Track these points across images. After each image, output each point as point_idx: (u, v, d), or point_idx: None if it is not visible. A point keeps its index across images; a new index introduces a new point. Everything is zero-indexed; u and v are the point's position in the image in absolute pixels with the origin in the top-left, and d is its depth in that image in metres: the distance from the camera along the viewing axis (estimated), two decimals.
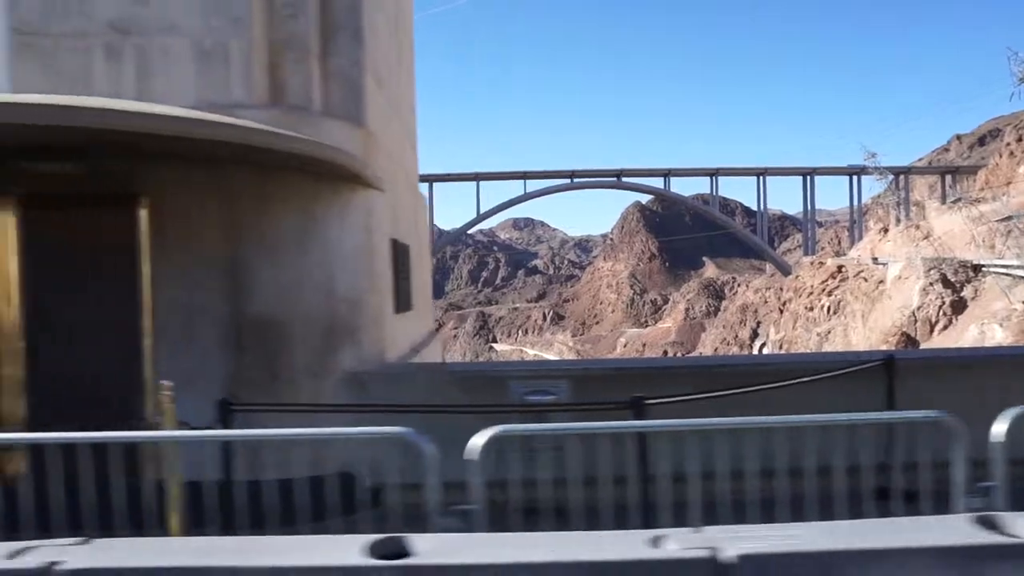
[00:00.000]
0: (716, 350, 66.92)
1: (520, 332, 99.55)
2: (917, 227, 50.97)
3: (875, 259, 49.86)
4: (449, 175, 73.98)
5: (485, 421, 5.09)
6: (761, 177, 75.51)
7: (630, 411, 4.89)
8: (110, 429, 4.48)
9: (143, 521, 4.93)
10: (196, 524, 4.82)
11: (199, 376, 5.79)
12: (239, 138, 4.93)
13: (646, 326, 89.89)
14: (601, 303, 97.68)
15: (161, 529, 5.01)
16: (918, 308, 41.74)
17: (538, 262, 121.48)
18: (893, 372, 6.07)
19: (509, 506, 4.00)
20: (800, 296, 56.40)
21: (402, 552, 2.78)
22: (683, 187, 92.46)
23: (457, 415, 5.49)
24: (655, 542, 2.80)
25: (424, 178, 55.99)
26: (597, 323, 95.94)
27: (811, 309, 54.38)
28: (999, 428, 3.75)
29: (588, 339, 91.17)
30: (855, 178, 69.96)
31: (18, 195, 5.88)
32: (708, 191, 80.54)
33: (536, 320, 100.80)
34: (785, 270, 71.51)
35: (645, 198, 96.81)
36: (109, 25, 6.07)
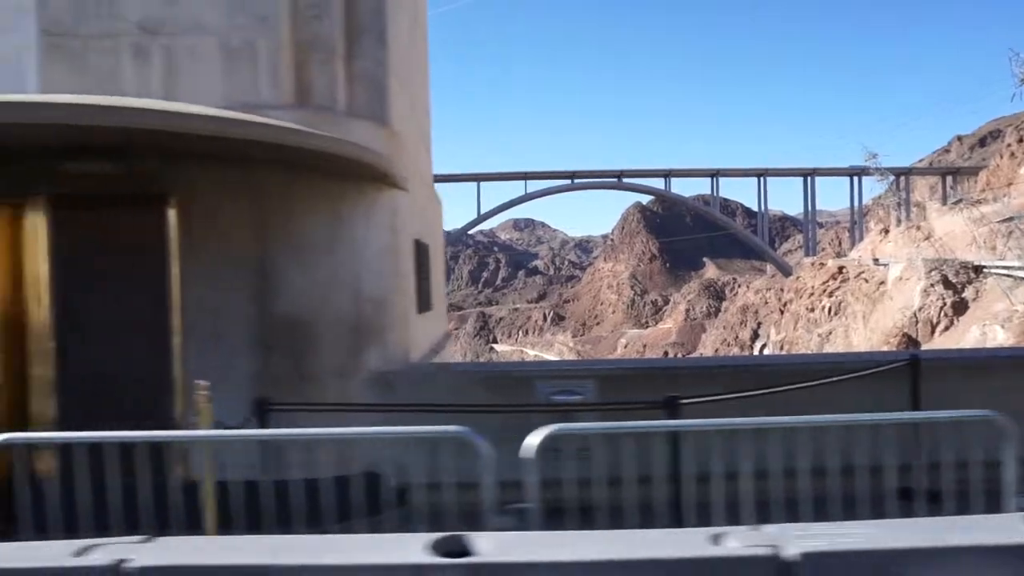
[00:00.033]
0: (716, 351, 66.93)
1: (520, 333, 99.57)
2: (918, 228, 51.04)
3: (876, 260, 49.92)
4: (450, 176, 73.99)
5: (511, 421, 5.17)
6: (762, 178, 75.61)
7: (663, 411, 4.90)
8: (139, 429, 4.50)
9: (170, 520, 4.95)
10: (229, 524, 4.84)
11: (227, 376, 5.80)
12: (276, 138, 4.96)
13: (647, 327, 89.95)
14: (601, 304, 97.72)
15: (194, 529, 5.03)
16: (919, 309, 41.79)
17: (538, 263, 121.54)
18: (918, 372, 6.10)
19: (559, 504, 4.02)
20: (801, 297, 56.45)
21: (463, 550, 2.80)
22: (684, 188, 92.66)
23: (484, 415, 5.53)
24: (715, 540, 2.81)
25: None
26: (597, 324, 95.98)
27: (812, 310, 54.42)
28: None
29: (588, 340, 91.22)
30: (856, 179, 70.07)
31: (48, 195, 5.90)
32: (709, 192, 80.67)
33: (536, 321, 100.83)
34: (786, 271, 71.60)
35: (646, 199, 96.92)
36: (137, 26, 6.09)
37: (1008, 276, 39.52)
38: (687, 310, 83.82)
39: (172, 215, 5.95)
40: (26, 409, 5.99)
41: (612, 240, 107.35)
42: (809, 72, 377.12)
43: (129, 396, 5.91)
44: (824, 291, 53.74)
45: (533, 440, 3.22)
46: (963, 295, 41.12)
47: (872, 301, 47.72)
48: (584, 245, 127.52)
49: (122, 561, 2.65)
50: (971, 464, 4.51)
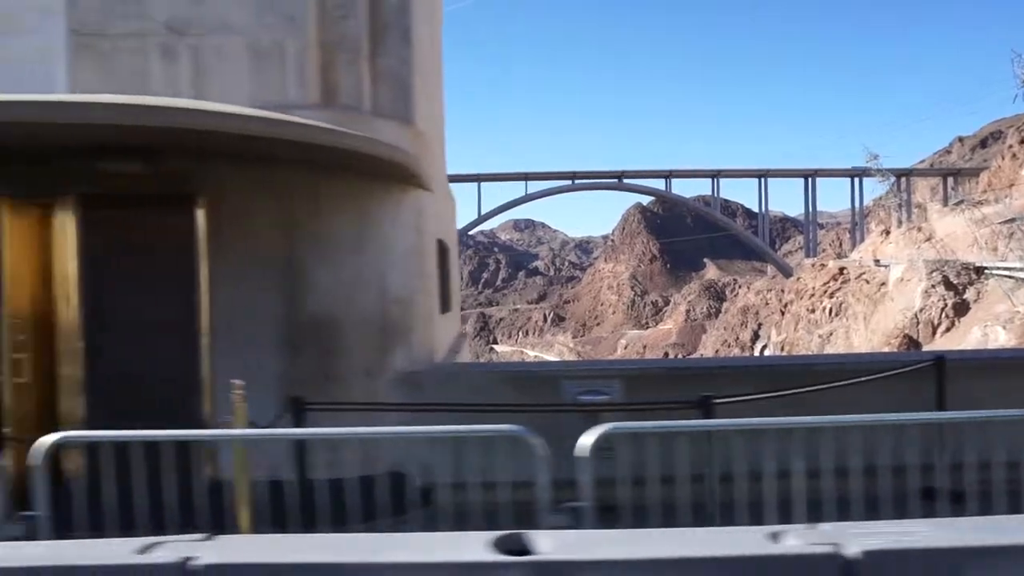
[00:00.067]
0: (717, 352, 66.94)
1: (521, 333, 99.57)
2: (919, 229, 51.08)
3: (877, 261, 49.95)
4: (450, 176, 73.84)
5: (538, 420, 5.17)
6: (762, 179, 75.63)
7: (697, 410, 4.92)
8: (168, 429, 4.50)
9: (197, 520, 4.95)
10: (266, 522, 4.85)
11: (256, 376, 5.77)
12: (312, 138, 4.97)
13: (647, 328, 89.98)
14: (602, 304, 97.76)
15: (222, 528, 5.04)
16: (920, 310, 41.83)
17: (539, 263, 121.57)
18: (943, 373, 6.11)
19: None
20: (801, 298, 56.49)
21: (523, 549, 2.81)
22: (684, 188, 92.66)
23: (511, 414, 5.54)
24: (774, 538, 2.82)
25: None
26: (598, 324, 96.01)
27: (813, 311, 54.45)
28: None
29: (589, 340, 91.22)
30: (857, 180, 70.10)
31: (77, 195, 5.90)
32: (709, 192, 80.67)
33: (537, 321, 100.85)
34: (786, 272, 71.65)
35: (646, 199, 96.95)
36: (165, 26, 6.09)
37: (1010, 277, 39.57)
38: (687, 311, 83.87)
39: (201, 215, 5.96)
40: (55, 408, 6.00)
41: (612, 241, 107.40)
42: (809, 72, 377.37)
43: (157, 396, 5.91)
44: (825, 292, 53.78)
45: (587, 440, 3.23)
46: (964, 296, 41.17)
47: (873, 302, 47.76)
48: (584, 246, 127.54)
49: (188, 559, 2.65)
50: (994, 465, 4.54)
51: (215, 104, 5.12)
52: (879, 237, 55.64)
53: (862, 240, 63.81)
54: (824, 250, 72.40)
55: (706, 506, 4.93)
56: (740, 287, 78.95)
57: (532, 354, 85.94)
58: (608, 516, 4.30)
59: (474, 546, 2.77)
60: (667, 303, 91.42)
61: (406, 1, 6.91)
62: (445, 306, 7.86)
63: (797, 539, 2.81)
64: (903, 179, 66.46)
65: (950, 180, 66.92)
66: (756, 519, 4.30)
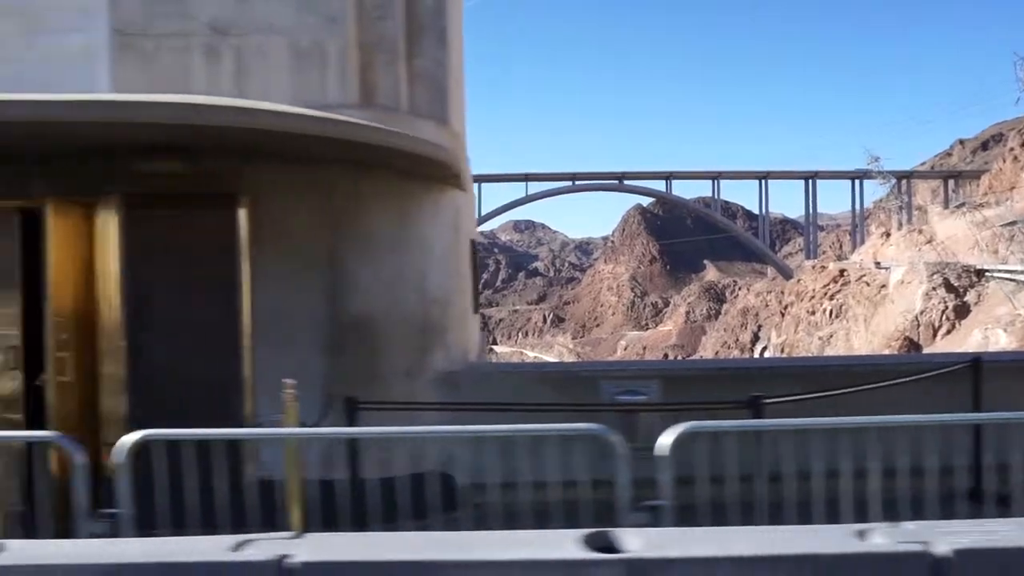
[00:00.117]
0: (717, 353, 67.05)
1: (520, 334, 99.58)
2: (920, 231, 51.22)
3: (877, 263, 50.07)
4: None
5: (575, 420, 5.20)
6: (763, 180, 75.78)
7: (747, 410, 4.95)
8: (210, 427, 4.52)
9: (247, 519, 4.97)
10: (316, 522, 4.86)
11: (298, 375, 5.78)
12: (364, 137, 5.01)
13: (647, 329, 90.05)
14: (601, 306, 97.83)
15: (270, 527, 5.05)
16: (921, 312, 41.94)
17: (538, 264, 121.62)
18: (980, 374, 6.15)
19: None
20: (802, 300, 56.59)
21: (612, 546, 2.84)
22: (685, 190, 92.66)
23: (549, 414, 5.57)
24: (860, 535, 2.85)
25: None
26: (597, 326, 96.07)
27: (813, 313, 54.56)
28: None
29: (588, 341, 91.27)
30: (857, 182, 70.27)
31: (120, 194, 5.91)
32: (710, 194, 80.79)
33: (536, 322, 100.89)
34: (786, 274, 71.76)
35: (646, 201, 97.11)
36: (208, 26, 6.11)
37: (1011, 280, 39.70)
38: (687, 312, 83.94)
39: (243, 214, 5.97)
40: (97, 407, 6.01)
41: (612, 242, 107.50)
42: (810, 73, 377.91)
43: (199, 395, 5.92)
44: (825, 294, 53.88)
45: (667, 439, 3.26)
46: (965, 299, 41.28)
47: (873, 304, 47.88)
48: (584, 247, 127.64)
49: (284, 556, 2.67)
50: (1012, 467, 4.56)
51: (268, 103, 5.14)
52: (879, 239, 55.76)
53: (862, 242, 63.91)
54: (824, 252, 72.56)
55: (753, 506, 4.95)
56: (740, 289, 79.06)
57: (531, 355, 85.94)
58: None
59: (565, 544, 2.80)
60: (667, 304, 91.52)
61: (442, 3, 6.95)
62: (476, 306, 7.89)
63: (883, 537, 2.84)
64: (904, 181, 66.64)
65: (951, 182, 67.09)
66: (805, 519, 4.34)
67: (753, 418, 4.89)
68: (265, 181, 5.99)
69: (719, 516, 4.40)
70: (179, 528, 4.02)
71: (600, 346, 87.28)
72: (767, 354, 56.91)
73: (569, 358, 78.81)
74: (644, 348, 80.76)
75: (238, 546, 2.77)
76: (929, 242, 48.72)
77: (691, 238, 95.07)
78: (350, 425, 5.06)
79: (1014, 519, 3.36)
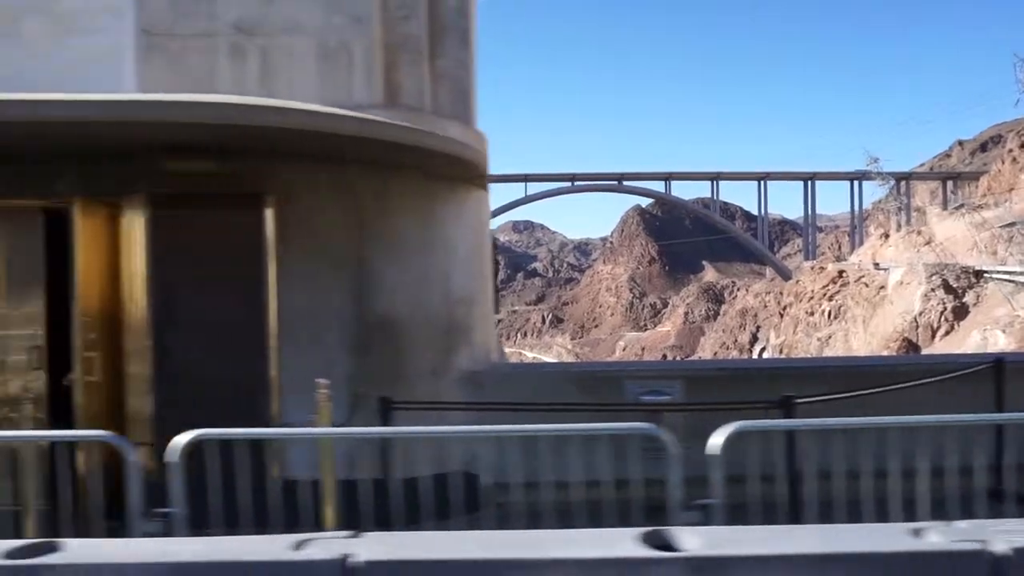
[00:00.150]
0: (715, 354, 67.12)
1: (519, 335, 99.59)
2: (919, 232, 51.34)
3: (876, 264, 50.17)
4: None
5: (599, 419, 5.21)
6: (762, 181, 75.92)
7: (779, 410, 4.97)
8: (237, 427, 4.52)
9: (270, 518, 4.97)
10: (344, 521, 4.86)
11: (324, 375, 5.80)
12: (401, 138, 5.02)
13: (645, 330, 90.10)
14: (600, 306, 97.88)
15: (294, 527, 5.05)
16: (920, 314, 42.05)
17: (537, 265, 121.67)
18: (1003, 374, 6.18)
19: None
20: (800, 301, 56.68)
21: (668, 545, 2.84)
22: (684, 191, 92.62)
23: (571, 412, 5.58)
24: (916, 534, 2.87)
25: None
26: (596, 326, 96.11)
27: (812, 314, 54.65)
28: None
29: (587, 342, 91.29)
30: (856, 183, 70.44)
31: (146, 194, 5.91)
32: (709, 195, 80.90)
33: (535, 323, 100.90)
34: (785, 275, 71.88)
35: (645, 201, 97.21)
36: (234, 26, 6.11)
37: (1009, 281, 39.83)
38: (686, 313, 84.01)
39: (269, 215, 5.97)
40: (123, 407, 6.01)
41: (611, 243, 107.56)
42: (809, 73, 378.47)
43: (225, 395, 5.92)
44: (824, 295, 53.97)
45: (718, 439, 3.27)
46: (964, 300, 41.40)
47: (872, 305, 47.98)
48: (583, 247, 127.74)
49: (347, 555, 2.67)
50: None
51: (301, 104, 5.15)
52: (878, 240, 55.88)
53: (861, 243, 64.07)
54: (823, 253, 72.70)
55: (777, 505, 4.97)
56: (739, 289, 79.15)
57: (530, 356, 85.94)
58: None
59: (624, 542, 2.80)
60: (665, 305, 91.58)
61: (465, 4, 6.96)
62: (496, 306, 7.90)
63: (938, 536, 2.85)
64: (903, 182, 66.81)
65: (950, 184, 67.27)
66: (826, 517, 4.36)
67: (784, 418, 4.90)
68: (291, 181, 5.99)
69: (753, 515, 4.42)
70: (202, 529, 4.02)
71: (599, 347, 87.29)
72: (766, 355, 56.99)
73: (568, 359, 78.84)
74: (643, 349, 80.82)
75: (298, 545, 2.77)
76: (928, 243, 48.85)
77: (690, 239, 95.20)
78: (384, 425, 5.05)
79: None
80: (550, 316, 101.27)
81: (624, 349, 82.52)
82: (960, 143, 78.22)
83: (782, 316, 60.69)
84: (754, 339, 66.38)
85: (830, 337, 51.16)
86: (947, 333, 41.14)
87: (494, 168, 7.21)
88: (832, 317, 53.01)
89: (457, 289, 6.41)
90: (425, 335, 6.23)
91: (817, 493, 4.67)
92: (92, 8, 6.14)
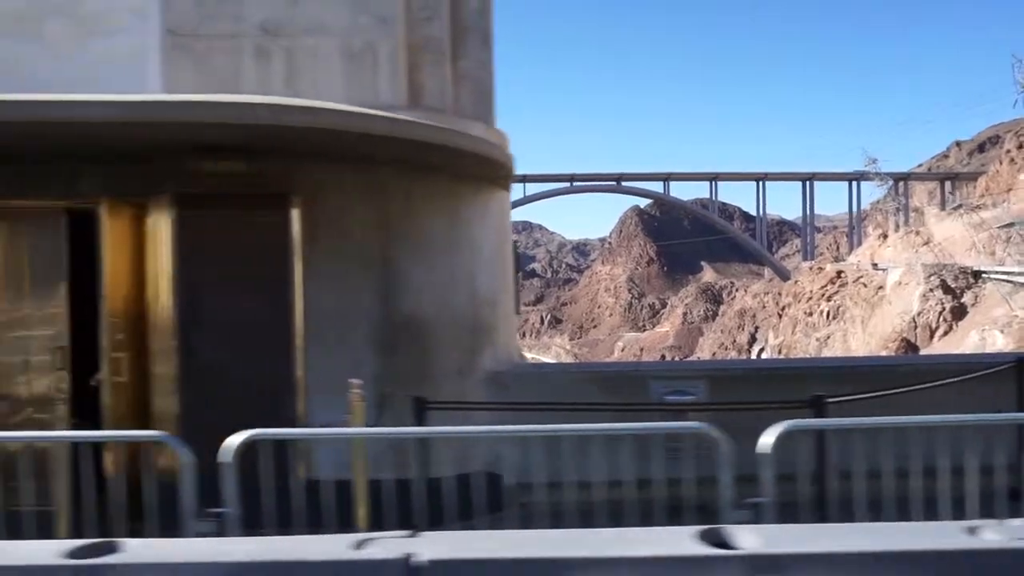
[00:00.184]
0: (714, 355, 67.19)
1: (517, 335, 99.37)
2: (917, 233, 51.49)
3: (875, 265, 50.28)
4: None
5: (621, 419, 5.23)
6: (760, 182, 76.07)
7: (810, 409, 4.98)
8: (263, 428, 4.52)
9: (293, 518, 4.96)
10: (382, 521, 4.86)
11: (350, 376, 5.81)
12: (436, 138, 5.03)
13: (644, 330, 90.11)
14: (599, 307, 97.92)
15: (318, 528, 5.04)
16: (918, 314, 42.17)
17: (536, 265, 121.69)
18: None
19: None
20: (799, 301, 56.78)
21: (724, 543, 2.86)
22: (682, 191, 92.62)
23: (596, 413, 5.60)
24: (971, 532, 2.88)
25: None
26: (595, 327, 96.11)
27: (810, 314, 54.75)
28: None
29: (586, 343, 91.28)
30: (854, 183, 70.60)
31: (172, 194, 5.91)
32: (707, 195, 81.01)
33: (534, 323, 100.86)
34: (784, 275, 72.01)
35: (644, 202, 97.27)
36: (259, 27, 6.12)
37: (1007, 281, 39.97)
38: (684, 314, 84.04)
39: (295, 215, 5.98)
40: (149, 407, 6.01)
41: (610, 243, 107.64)
42: (808, 73, 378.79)
43: (251, 395, 5.92)
44: (822, 295, 54.07)
45: (768, 438, 3.29)
46: (962, 300, 41.53)
47: (871, 306, 48.10)
48: (582, 248, 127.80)
49: (410, 555, 2.68)
50: None
51: (332, 104, 5.16)
52: (877, 241, 56.02)
53: (859, 244, 64.21)
54: (821, 254, 72.80)
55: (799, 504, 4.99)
56: (737, 290, 79.19)
57: (530, 356, 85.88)
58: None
59: (683, 540, 2.82)
60: (664, 306, 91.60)
61: (486, 5, 6.98)
62: (517, 306, 7.91)
63: (994, 534, 2.87)
64: (901, 183, 66.96)
65: (948, 184, 67.46)
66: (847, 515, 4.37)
67: (816, 416, 4.92)
68: (318, 181, 6.00)
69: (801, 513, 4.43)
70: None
71: (597, 347, 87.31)
72: (764, 355, 57.09)
73: (567, 359, 78.84)
74: (641, 349, 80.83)
75: (358, 544, 2.78)
76: (926, 244, 48.99)
77: (688, 239, 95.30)
78: (419, 425, 5.06)
79: None
80: (548, 317, 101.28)
81: (623, 350, 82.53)
82: (958, 144, 78.44)
83: (780, 316, 60.77)
84: (752, 339, 66.45)
85: (828, 337, 51.23)
86: (945, 333, 41.24)
87: None
88: (831, 317, 53.09)
89: (482, 289, 6.43)
90: (451, 335, 6.24)
91: (839, 492, 4.68)
92: (116, 9, 6.15)
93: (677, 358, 69.03)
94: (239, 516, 3.22)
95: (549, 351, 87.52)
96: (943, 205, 60.45)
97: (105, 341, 5.79)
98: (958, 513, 4.33)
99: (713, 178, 77.24)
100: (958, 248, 46.55)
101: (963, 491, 4.36)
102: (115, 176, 5.93)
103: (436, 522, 4.61)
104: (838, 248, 75.01)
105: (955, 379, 5.82)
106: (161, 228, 5.95)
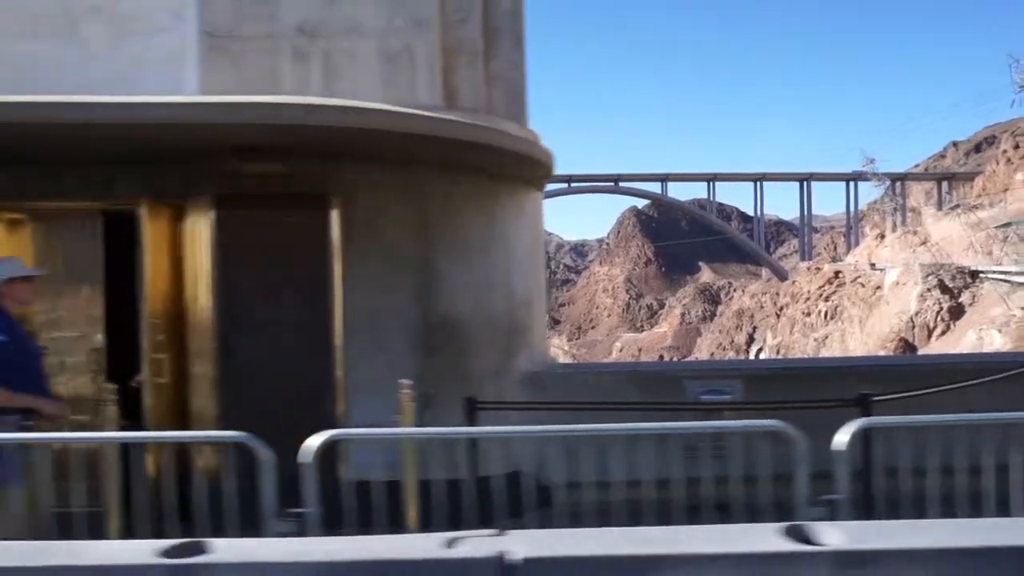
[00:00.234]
0: (712, 355, 67.33)
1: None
2: (914, 233, 51.70)
3: (872, 265, 50.45)
4: None
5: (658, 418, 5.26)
6: (758, 182, 76.27)
7: (856, 408, 5.01)
8: (303, 429, 4.53)
9: (343, 519, 4.97)
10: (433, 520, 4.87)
11: (388, 376, 5.82)
12: (486, 139, 5.05)
13: (642, 331, 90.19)
14: (597, 307, 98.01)
15: (366, 528, 5.05)
16: (916, 314, 42.35)
17: None
18: None
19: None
20: (797, 301, 56.95)
21: (808, 539, 2.88)
22: (680, 192, 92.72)
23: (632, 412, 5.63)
24: None
25: None
26: (593, 327, 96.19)
27: (808, 314, 54.92)
28: None
29: (584, 343, 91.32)
30: (852, 184, 70.83)
31: (211, 195, 5.92)
32: (705, 196, 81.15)
33: None
34: (781, 275, 72.20)
35: (641, 203, 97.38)
36: (297, 28, 6.12)
37: (1005, 281, 40.18)
38: (682, 314, 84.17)
39: (335, 215, 5.99)
40: (187, 407, 6.01)
41: (607, 244, 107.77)
42: (807, 72, 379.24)
43: (290, 396, 5.93)
44: (820, 295, 54.24)
45: (844, 436, 3.32)
46: (960, 300, 41.73)
47: (868, 306, 48.27)
48: (579, 249, 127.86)
49: (504, 553, 2.70)
50: None
51: (379, 104, 5.17)
52: (874, 241, 56.21)
53: (857, 244, 64.42)
54: (819, 254, 73.01)
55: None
56: (735, 290, 79.38)
57: None
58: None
59: (769, 537, 2.84)
60: (662, 306, 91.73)
61: (518, 6, 7.00)
62: (548, 306, 7.94)
63: None
64: (898, 183, 67.20)
65: (945, 184, 67.74)
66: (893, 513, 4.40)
67: (862, 415, 4.94)
68: (357, 181, 6.02)
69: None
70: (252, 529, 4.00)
71: (595, 348, 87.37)
72: (763, 355, 57.23)
73: (565, 360, 78.90)
74: (639, 350, 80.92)
75: (449, 543, 2.79)
76: (923, 243, 49.19)
77: (686, 240, 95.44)
78: (470, 425, 5.08)
79: None
80: (547, 317, 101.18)
81: (621, 350, 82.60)
82: (955, 144, 78.77)
83: (779, 317, 60.91)
84: (751, 340, 66.62)
85: (827, 337, 51.38)
86: (943, 333, 41.42)
87: None
88: (828, 317, 53.25)
89: (518, 290, 6.45)
90: (488, 335, 6.26)
91: (884, 490, 4.71)
92: (153, 10, 6.14)
93: (675, 359, 69.11)
94: (319, 516, 3.22)
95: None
96: (940, 205, 60.69)
97: (146, 342, 5.80)
98: (1003, 510, 4.38)
99: (711, 179, 77.40)
100: (955, 248, 46.75)
101: (1007, 488, 4.41)
102: (154, 177, 5.94)
103: (485, 521, 4.63)
104: (836, 248, 75.25)
105: (991, 378, 5.87)
106: (200, 229, 5.96)
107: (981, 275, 42.63)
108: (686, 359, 67.46)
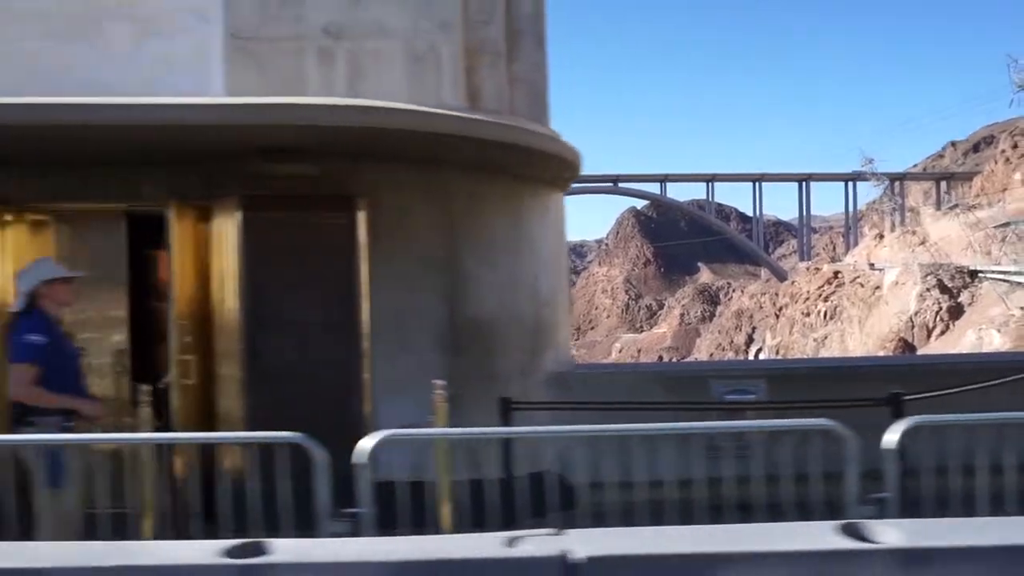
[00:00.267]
0: (711, 356, 67.39)
1: None
2: (913, 233, 51.79)
3: (871, 265, 50.53)
4: None
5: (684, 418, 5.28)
6: (757, 183, 76.36)
7: (888, 407, 5.03)
8: (330, 430, 4.54)
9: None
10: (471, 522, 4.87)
11: (416, 377, 5.83)
12: (507, 137, 5.06)
13: (641, 331, 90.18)
14: (596, 308, 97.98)
15: (389, 529, 5.06)
16: (915, 314, 42.43)
17: None
18: None
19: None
20: (796, 302, 57.03)
21: (865, 537, 2.89)
22: (679, 192, 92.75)
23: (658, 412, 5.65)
24: None
25: None
26: (592, 328, 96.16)
27: (808, 315, 55.00)
28: None
29: (583, 344, 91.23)
30: (851, 184, 70.93)
31: (238, 196, 5.92)
32: (704, 197, 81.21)
33: None
34: (781, 276, 72.28)
35: (640, 203, 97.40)
36: (322, 29, 6.13)
37: (1004, 280, 40.28)
38: (682, 315, 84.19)
39: (361, 216, 6.00)
40: (214, 408, 6.01)
41: (606, 245, 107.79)
42: (806, 72, 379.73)
43: (318, 397, 5.93)
44: (819, 296, 54.32)
45: (893, 435, 3.33)
46: (959, 300, 41.81)
47: (868, 306, 48.36)
48: (578, 249, 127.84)
49: (567, 552, 2.71)
50: None
51: (411, 105, 5.18)
52: (873, 241, 56.30)
53: (856, 244, 64.48)
54: (818, 254, 73.09)
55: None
56: (734, 291, 79.43)
57: None
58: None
59: (826, 535, 2.85)
60: (661, 307, 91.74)
61: (540, 7, 7.02)
62: (570, 306, 7.95)
63: None
64: (897, 183, 67.29)
65: (943, 184, 67.87)
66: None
67: (894, 416, 4.95)
68: (383, 182, 6.02)
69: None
70: (273, 530, 3.99)
71: (595, 349, 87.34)
72: (762, 356, 57.30)
73: None
74: (639, 351, 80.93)
75: (511, 542, 2.80)
76: (922, 243, 49.26)
77: (685, 240, 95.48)
78: (505, 425, 5.09)
79: None
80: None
81: (620, 351, 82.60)
82: (953, 144, 78.89)
83: (778, 317, 60.93)
84: (750, 340, 66.67)
85: (826, 338, 51.43)
86: (942, 333, 41.47)
87: None
88: (828, 318, 53.28)
89: (543, 290, 6.47)
90: (514, 335, 6.28)
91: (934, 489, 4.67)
92: (177, 11, 6.14)
93: (675, 359, 69.16)
94: (373, 516, 3.23)
95: None
96: (939, 205, 60.79)
97: (174, 344, 5.79)
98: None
99: (710, 179, 77.46)
100: (954, 248, 46.82)
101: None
102: (180, 179, 5.94)
103: (508, 522, 4.64)
104: (835, 248, 75.34)
105: (1014, 378, 5.89)
106: (227, 230, 5.96)
107: (980, 275, 42.71)
108: (685, 359, 67.52)
